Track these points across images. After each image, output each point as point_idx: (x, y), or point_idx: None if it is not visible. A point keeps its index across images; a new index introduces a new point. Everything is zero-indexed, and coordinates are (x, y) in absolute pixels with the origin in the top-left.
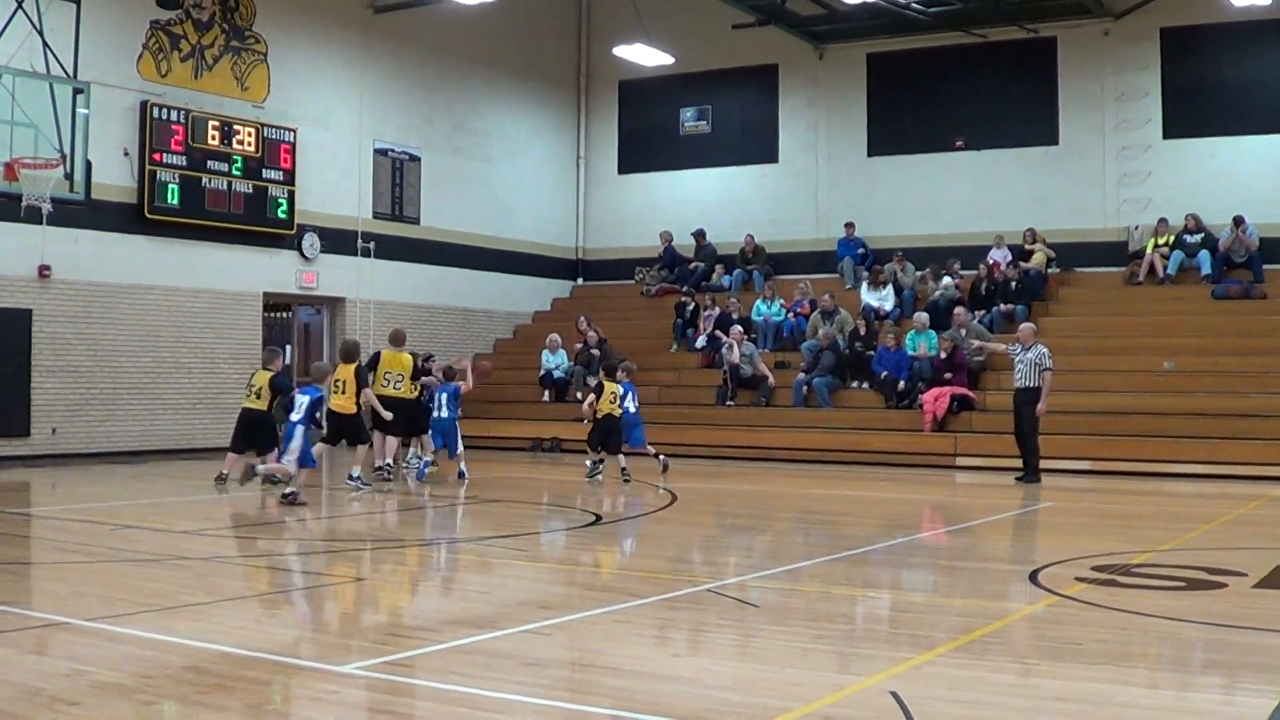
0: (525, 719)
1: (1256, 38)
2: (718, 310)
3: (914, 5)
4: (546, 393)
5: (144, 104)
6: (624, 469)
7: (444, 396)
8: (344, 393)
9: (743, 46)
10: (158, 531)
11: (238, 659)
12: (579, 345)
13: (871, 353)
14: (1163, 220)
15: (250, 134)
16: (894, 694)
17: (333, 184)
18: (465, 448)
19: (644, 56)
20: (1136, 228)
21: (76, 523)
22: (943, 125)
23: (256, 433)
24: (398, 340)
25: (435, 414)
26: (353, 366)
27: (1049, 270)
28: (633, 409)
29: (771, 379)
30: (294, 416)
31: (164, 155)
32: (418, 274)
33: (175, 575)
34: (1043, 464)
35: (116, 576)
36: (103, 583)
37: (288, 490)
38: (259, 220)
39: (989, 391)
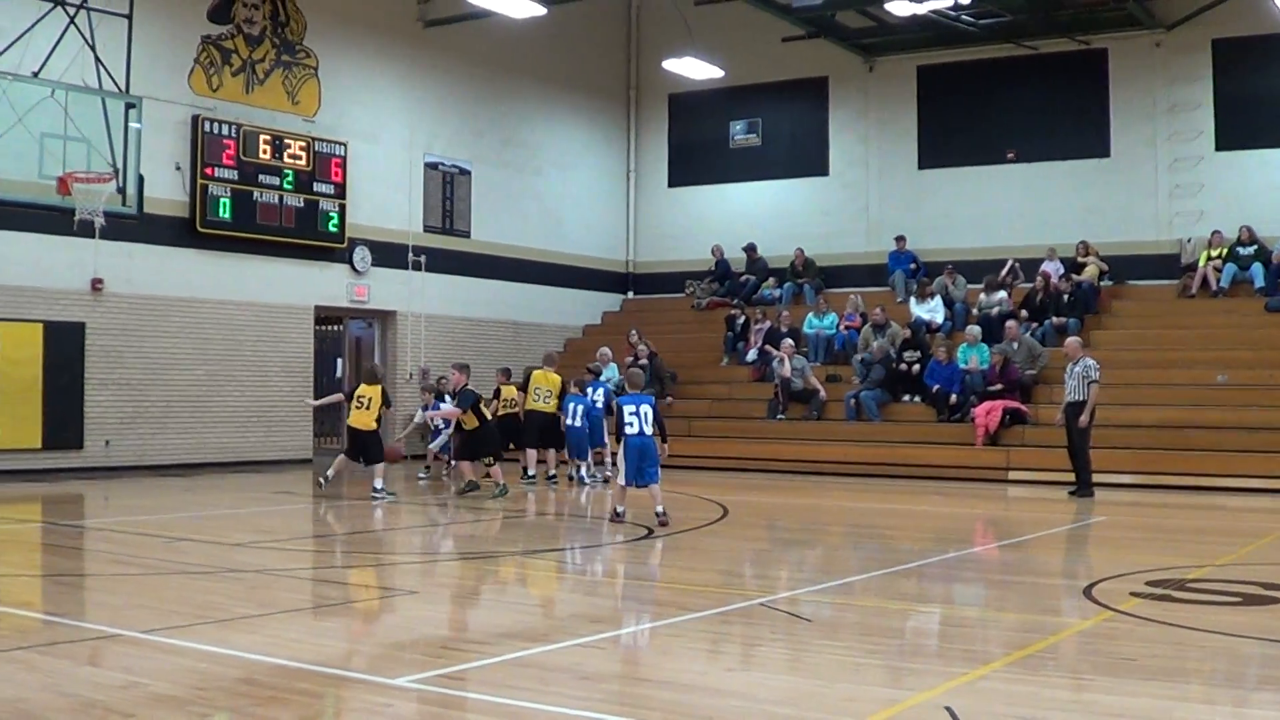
0: None
1: None
2: (768, 324)
3: (964, 17)
4: None
5: (195, 118)
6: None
7: (579, 408)
8: (368, 409)
9: (792, 59)
10: (210, 544)
11: (291, 671)
12: (629, 359)
13: (909, 366)
14: (1216, 232)
15: (301, 148)
16: (949, 709)
17: (383, 198)
18: (514, 461)
19: (693, 69)
20: (1189, 240)
21: (129, 535)
22: (994, 137)
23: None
24: (550, 361)
25: (569, 423)
26: (378, 387)
27: (1101, 283)
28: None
29: (823, 392)
30: (630, 430)
31: (215, 169)
32: (468, 287)
33: (228, 587)
34: (1096, 478)
35: (170, 589)
36: (156, 595)
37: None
38: (310, 234)
39: (1041, 405)
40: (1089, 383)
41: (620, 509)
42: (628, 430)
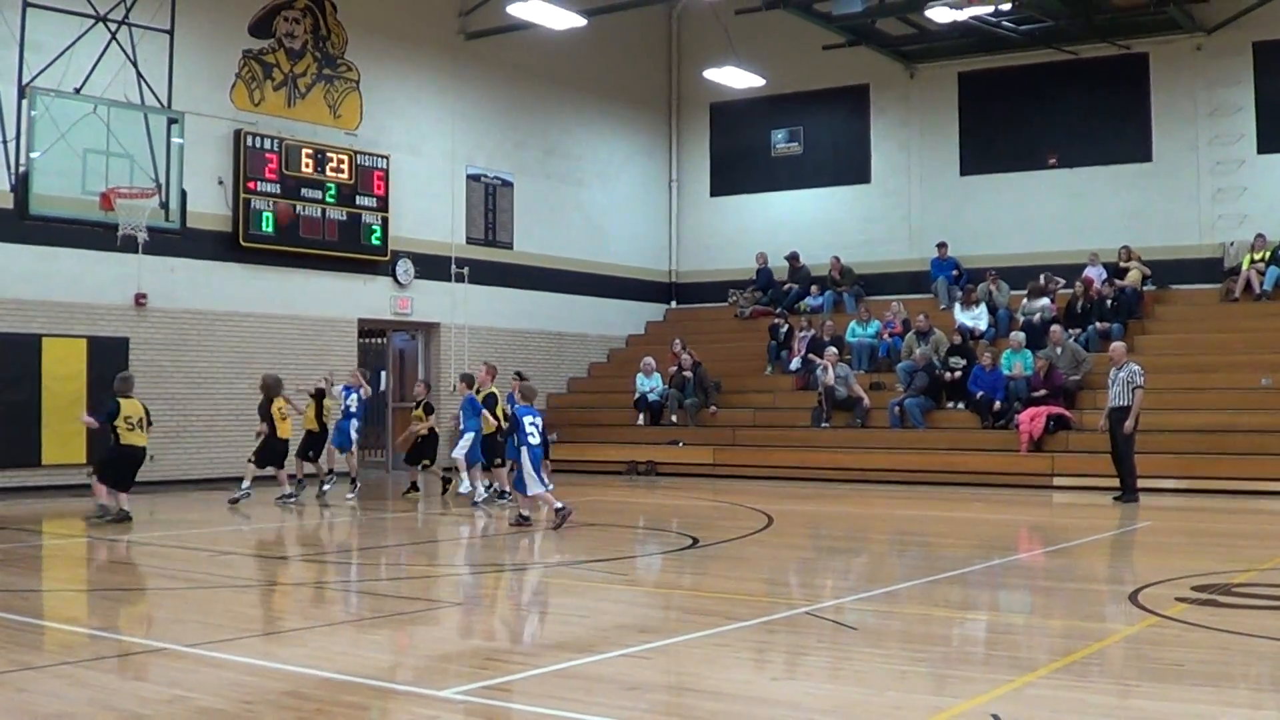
0: None
1: None
2: (812, 332)
3: (1005, 23)
4: (641, 416)
5: (238, 133)
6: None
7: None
8: (144, 429)
9: (833, 67)
10: (255, 557)
11: (337, 684)
12: (673, 369)
13: (953, 373)
14: (1259, 235)
15: (343, 161)
16: (995, 716)
17: (426, 210)
18: (558, 471)
19: (735, 79)
20: (1232, 243)
21: (174, 549)
22: (1035, 143)
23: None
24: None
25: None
26: (136, 400)
27: (1144, 288)
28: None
29: (867, 400)
30: (533, 440)
31: (258, 183)
32: (511, 299)
33: (274, 600)
34: (1140, 483)
35: (215, 602)
36: (202, 608)
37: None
38: (353, 247)
39: (1085, 411)
40: (1134, 388)
41: (526, 513)
42: (532, 440)
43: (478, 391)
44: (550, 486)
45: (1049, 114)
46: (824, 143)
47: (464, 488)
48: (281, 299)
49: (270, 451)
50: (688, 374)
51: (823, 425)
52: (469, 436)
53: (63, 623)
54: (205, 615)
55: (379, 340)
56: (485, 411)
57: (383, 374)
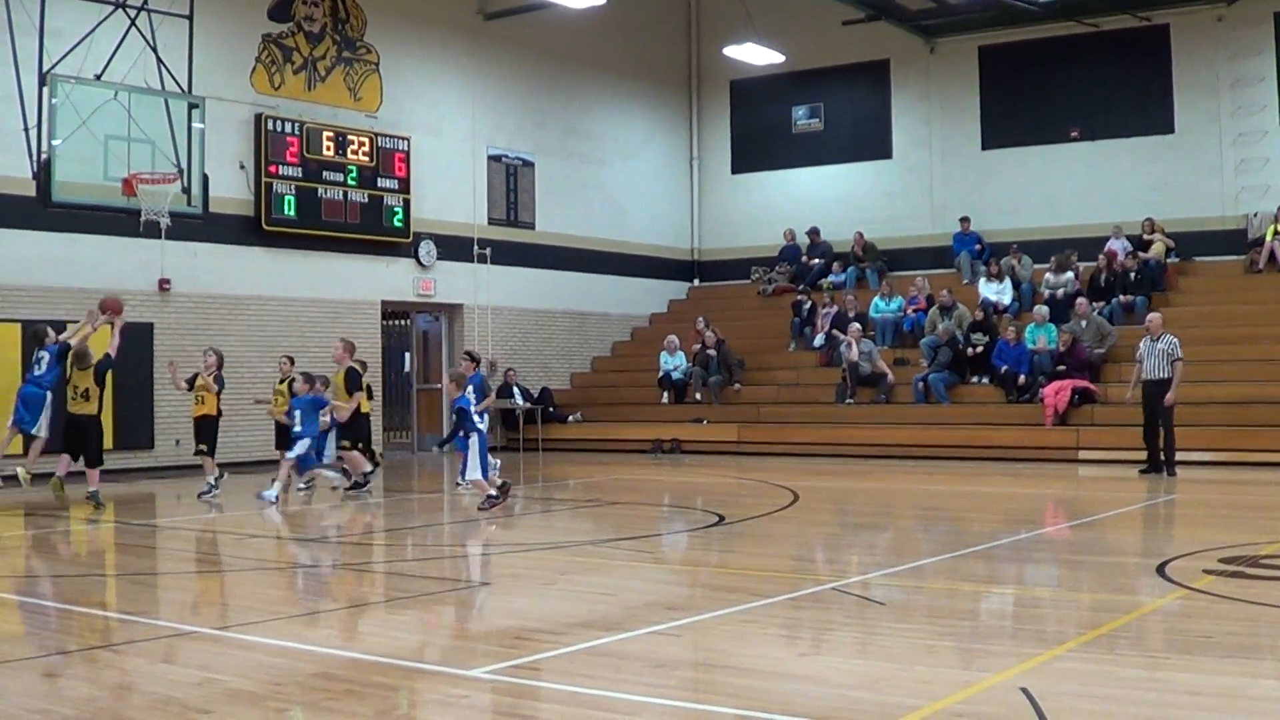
0: None
1: None
2: (835, 308)
3: None
4: (665, 394)
5: (258, 117)
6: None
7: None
8: (90, 399)
9: (853, 42)
10: (282, 540)
11: (366, 665)
12: (697, 346)
13: (976, 348)
14: None
15: (364, 144)
16: (1025, 690)
17: (447, 191)
18: (583, 450)
19: (755, 55)
20: (1255, 215)
21: (202, 533)
22: (1057, 116)
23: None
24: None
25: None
26: (90, 371)
27: (1168, 260)
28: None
29: (891, 376)
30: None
31: (279, 167)
32: (534, 279)
33: (301, 583)
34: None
35: (243, 585)
36: (230, 591)
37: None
38: (375, 229)
39: (1110, 384)
40: (1173, 360)
41: (495, 493)
42: (481, 424)
43: (325, 383)
44: (497, 464)
45: (1070, 87)
46: (845, 118)
47: (269, 494)
48: (304, 282)
49: (208, 432)
50: (711, 352)
51: (847, 401)
52: (304, 442)
53: (92, 607)
54: (233, 598)
55: (403, 322)
56: (354, 398)
57: (406, 356)
